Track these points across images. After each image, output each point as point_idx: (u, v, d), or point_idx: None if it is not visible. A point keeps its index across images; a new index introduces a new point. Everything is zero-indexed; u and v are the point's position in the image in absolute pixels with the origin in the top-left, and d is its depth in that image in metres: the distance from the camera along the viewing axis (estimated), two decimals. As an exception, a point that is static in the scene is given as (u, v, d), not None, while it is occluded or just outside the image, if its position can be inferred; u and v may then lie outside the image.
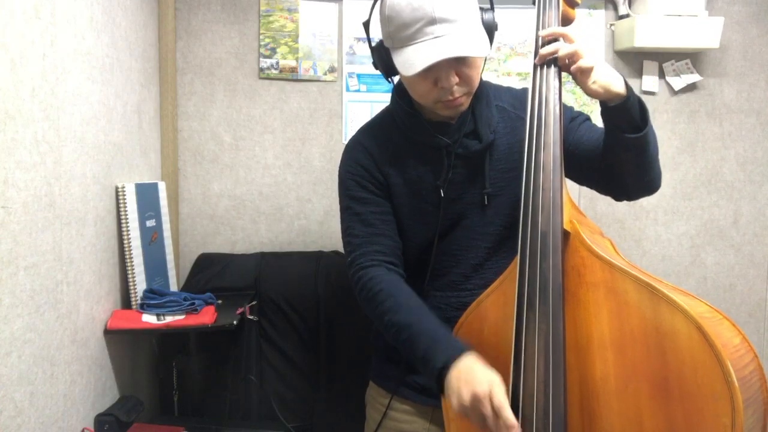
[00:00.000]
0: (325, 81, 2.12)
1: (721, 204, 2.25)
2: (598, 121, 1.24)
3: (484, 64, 1.27)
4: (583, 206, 2.15)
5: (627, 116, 1.14)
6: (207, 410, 1.86)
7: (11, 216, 1.15)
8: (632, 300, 0.97)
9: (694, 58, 2.18)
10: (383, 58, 1.24)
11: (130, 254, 1.67)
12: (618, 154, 1.19)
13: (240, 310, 1.76)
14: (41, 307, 1.26)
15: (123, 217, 1.64)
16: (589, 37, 2.14)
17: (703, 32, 2.04)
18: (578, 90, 1.16)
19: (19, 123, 1.17)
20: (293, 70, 2.10)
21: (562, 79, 1.17)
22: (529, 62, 1.19)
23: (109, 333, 1.57)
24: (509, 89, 1.40)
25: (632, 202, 2.12)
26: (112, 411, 1.53)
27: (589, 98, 1.91)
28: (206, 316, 1.67)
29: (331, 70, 2.11)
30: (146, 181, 1.87)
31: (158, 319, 1.62)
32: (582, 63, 1.11)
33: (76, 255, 1.41)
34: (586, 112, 1.38)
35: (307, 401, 1.92)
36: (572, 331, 1.03)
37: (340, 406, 1.89)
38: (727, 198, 2.25)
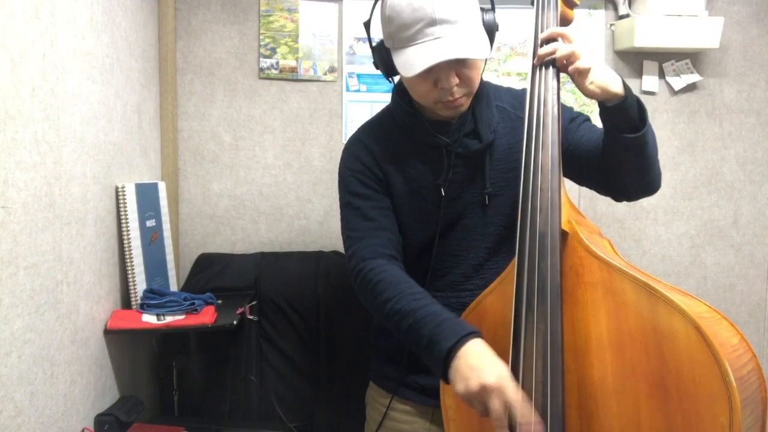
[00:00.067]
0: (325, 81, 2.12)
1: (721, 204, 2.25)
2: (597, 121, 1.24)
3: (485, 64, 1.27)
4: (583, 206, 2.15)
5: (625, 116, 1.14)
6: (207, 410, 1.86)
7: (11, 216, 1.15)
8: (630, 300, 0.98)
9: (694, 58, 2.18)
10: (384, 58, 1.24)
11: (130, 254, 1.67)
12: (617, 155, 1.19)
13: (240, 310, 1.76)
14: (41, 307, 1.26)
15: (123, 217, 1.65)
16: (589, 38, 2.14)
17: (703, 32, 2.04)
18: (578, 90, 1.16)
19: (19, 123, 1.17)
20: (293, 70, 2.11)
21: (562, 80, 1.17)
22: (528, 62, 1.19)
23: (109, 333, 1.58)
24: (509, 89, 1.40)
25: (632, 203, 2.12)
26: (112, 411, 1.54)
27: (588, 98, 1.91)
28: (206, 316, 1.67)
29: (331, 70, 2.12)
30: (146, 181, 1.87)
31: (158, 319, 1.62)
32: (579, 64, 1.11)
33: (76, 255, 1.41)
34: (585, 113, 1.38)
35: (307, 401, 1.92)
36: (570, 331, 1.04)
37: (340, 406, 1.89)
38: (727, 198, 2.25)
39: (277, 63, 2.10)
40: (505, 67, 2.15)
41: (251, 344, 1.91)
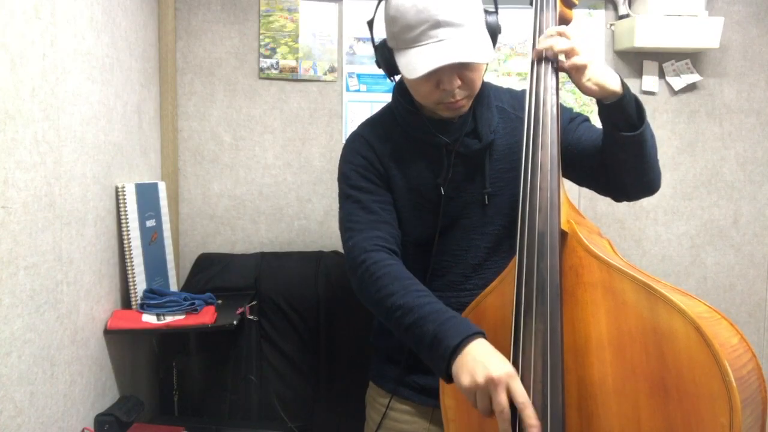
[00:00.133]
0: (325, 81, 2.12)
1: (721, 204, 2.25)
2: (597, 122, 1.24)
3: (486, 66, 1.27)
4: (583, 206, 2.15)
5: (623, 114, 1.14)
6: (207, 410, 1.86)
7: (11, 216, 1.15)
8: (630, 300, 0.97)
9: (694, 58, 2.18)
10: (386, 58, 1.24)
11: (130, 254, 1.67)
12: (615, 153, 1.19)
13: (240, 310, 1.77)
14: (41, 307, 1.26)
15: (123, 217, 1.65)
16: (589, 37, 2.14)
17: (703, 32, 2.04)
18: (578, 90, 1.16)
19: (19, 123, 1.17)
20: (293, 70, 2.11)
21: (561, 80, 1.17)
22: (528, 62, 1.19)
23: (109, 333, 1.58)
24: (509, 90, 1.40)
25: (632, 203, 2.12)
26: (112, 411, 1.54)
27: (589, 99, 1.91)
28: (206, 316, 1.67)
29: (331, 70, 2.12)
30: (146, 181, 1.87)
31: (158, 319, 1.62)
32: (577, 60, 1.11)
33: (76, 255, 1.41)
34: (585, 113, 1.38)
35: (307, 401, 1.92)
36: (570, 331, 1.03)
37: (340, 406, 1.89)
38: (727, 198, 2.25)
39: (277, 63, 2.10)
40: (505, 67, 2.15)
41: (251, 344, 1.91)
